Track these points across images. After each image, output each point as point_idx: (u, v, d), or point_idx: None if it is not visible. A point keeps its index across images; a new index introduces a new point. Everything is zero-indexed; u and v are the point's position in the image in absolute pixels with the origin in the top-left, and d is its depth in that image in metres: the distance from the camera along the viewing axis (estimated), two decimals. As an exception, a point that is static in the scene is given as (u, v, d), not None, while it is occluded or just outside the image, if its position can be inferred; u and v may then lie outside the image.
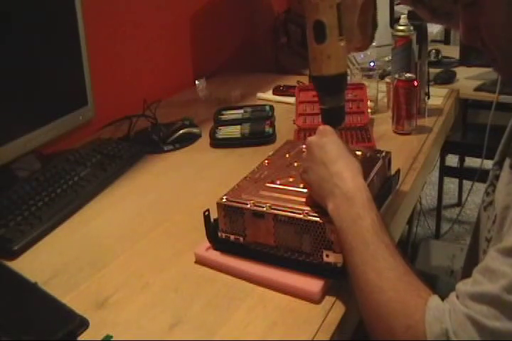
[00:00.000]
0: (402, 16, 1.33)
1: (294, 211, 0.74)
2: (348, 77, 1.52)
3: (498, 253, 0.56)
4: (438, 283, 1.13)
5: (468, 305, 0.55)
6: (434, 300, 0.59)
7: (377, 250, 0.64)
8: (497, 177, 0.79)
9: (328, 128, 0.79)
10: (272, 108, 1.41)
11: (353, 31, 0.95)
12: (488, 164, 1.16)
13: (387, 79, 1.45)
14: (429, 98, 1.40)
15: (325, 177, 0.73)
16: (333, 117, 0.83)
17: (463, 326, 0.54)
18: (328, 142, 0.76)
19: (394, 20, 1.58)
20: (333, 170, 0.73)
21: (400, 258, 0.64)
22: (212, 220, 0.81)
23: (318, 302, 0.71)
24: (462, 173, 2.53)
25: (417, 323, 0.57)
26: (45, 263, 0.84)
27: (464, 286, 0.58)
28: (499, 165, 0.80)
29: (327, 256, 0.73)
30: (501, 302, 0.52)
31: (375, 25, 1.03)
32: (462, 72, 1.86)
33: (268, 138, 1.26)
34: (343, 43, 0.77)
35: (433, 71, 1.68)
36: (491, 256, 0.57)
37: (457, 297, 0.57)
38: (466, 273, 0.62)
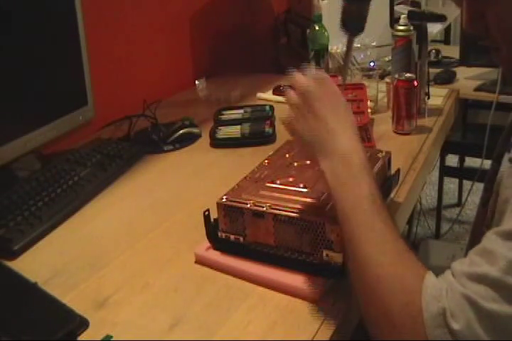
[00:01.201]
0: (402, 16, 1.33)
1: (294, 211, 0.74)
2: (348, 77, 1.53)
3: (497, 235, 0.55)
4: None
5: (466, 285, 0.54)
6: (431, 277, 0.58)
7: (375, 223, 0.62)
8: (495, 173, 0.79)
9: (326, 76, 0.73)
10: (271, 108, 1.41)
11: None
12: (488, 164, 1.16)
13: (387, 79, 1.45)
14: (429, 98, 1.41)
15: (319, 132, 0.69)
16: (354, 22, 0.78)
17: (460, 306, 0.53)
18: (327, 93, 0.71)
19: (394, 20, 1.58)
20: (330, 126, 0.69)
21: (398, 232, 0.63)
22: (212, 220, 0.81)
23: (318, 302, 0.71)
24: (462, 173, 2.53)
25: (414, 300, 0.56)
26: (45, 263, 0.84)
27: (460, 266, 0.57)
28: (497, 160, 0.80)
29: (327, 255, 0.73)
30: (500, 285, 0.52)
31: None
32: (462, 72, 1.86)
33: (268, 138, 1.26)
34: None
35: (433, 71, 1.68)
36: (489, 238, 0.57)
37: (453, 276, 0.57)
38: None
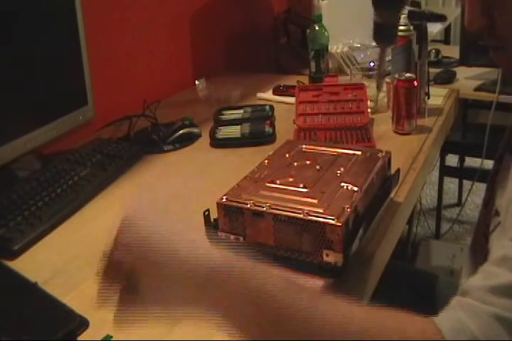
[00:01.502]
0: (402, 16, 1.33)
1: (294, 211, 0.74)
2: (348, 77, 1.53)
3: (508, 240, 0.52)
4: (438, 283, 1.13)
5: (492, 301, 0.49)
6: (437, 317, 0.51)
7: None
8: (497, 173, 0.79)
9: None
10: (271, 108, 1.41)
11: None
12: (488, 164, 1.16)
13: (387, 79, 1.45)
14: (429, 98, 1.40)
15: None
16: (385, 34, 0.80)
17: (490, 327, 0.47)
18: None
19: (394, 20, 1.58)
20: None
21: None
22: (212, 220, 0.81)
23: (318, 302, 0.71)
24: (462, 173, 2.53)
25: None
26: (45, 263, 0.84)
27: (476, 282, 0.52)
28: (499, 161, 0.80)
29: (327, 255, 0.73)
30: None
31: None
32: (462, 72, 1.86)
33: (268, 138, 1.26)
34: None
35: (433, 71, 1.68)
36: (504, 246, 0.53)
37: (469, 295, 0.51)
38: (469, 271, 0.60)
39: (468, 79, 1.83)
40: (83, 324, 0.68)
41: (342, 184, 0.80)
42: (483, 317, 0.48)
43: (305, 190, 0.79)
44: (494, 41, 0.64)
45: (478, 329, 0.47)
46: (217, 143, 1.27)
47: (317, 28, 1.59)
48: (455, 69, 1.89)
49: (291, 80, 1.68)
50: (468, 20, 0.63)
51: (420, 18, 1.38)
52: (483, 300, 0.49)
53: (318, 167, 0.86)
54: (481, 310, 0.49)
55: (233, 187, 0.82)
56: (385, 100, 1.43)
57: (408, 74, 1.25)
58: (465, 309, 0.50)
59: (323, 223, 0.72)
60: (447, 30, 2.78)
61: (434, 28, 2.28)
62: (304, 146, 0.95)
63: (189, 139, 1.29)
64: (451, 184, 2.78)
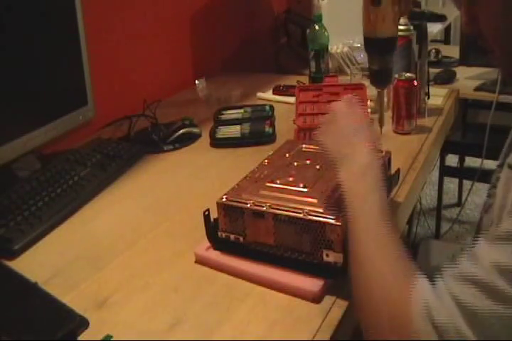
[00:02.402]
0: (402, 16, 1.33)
1: (294, 210, 0.74)
2: (348, 77, 1.53)
3: (485, 240, 0.57)
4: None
5: (451, 286, 0.55)
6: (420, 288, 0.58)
7: (382, 230, 0.65)
8: (498, 179, 0.79)
9: (355, 99, 0.81)
10: (271, 108, 1.41)
11: None
12: (488, 164, 1.16)
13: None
14: (429, 98, 1.40)
15: (341, 146, 0.75)
16: (382, 78, 0.87)
17: (446, 307, 0.54)
18: (353, 113, 0.79)
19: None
20: (353, 140, 0.74)
21: (400, 247, 0.65)
22: (212, 220, 0.81)
23: (318, 302, 0.71)
24: (462, 173, 2.53)
25: (401, 314, 0.57)
26: (45, 263, 0.84)
27: (447, 270, 0.58)
28: (501, 167, 0.80)
29: (327, 255, 0.73)
30: (483, 283, 0.53)
31: None
32: (462, 72, 1.86)
33: (268, 138, 1.26)
34: (396, 8, 0.83)
35: (433, 71, 1.68)
36: (477, 244, 0.58)
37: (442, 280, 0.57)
38: None
39: (468, 79, 1.83)
40: (83, 324, 0.68)
41: (342, 184, 0.80)
42: (444, 297, 0.54)
43: (305, 189, 0.79)
44: (486, 44, 0.66)
45: (437, 308, 0.54)
46: (217, 142, 1.27)
47: (317, 28, 1.59)
48: (455, 69, 1.89)
49: (291, 80, 1.68)
50: (462, 24, 0.67)
51: (420, 18, 1.38)
52: (447, 285, 0.56)
53: (318, 167, 0.86)
54: (444, 291, 0.55)
55: (233, 187, 0.82)
56: (385, 100, 1.43)
57: (408, 74, 1.25)
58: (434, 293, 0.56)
59: (323, 223, 0.72)
60: (447, 30, 2.78)
61: (434, 28, 2.28)
62: (303, 146, 0.95)
63: (189, 139, 1.29)
64: (451, 184, 2.78)
